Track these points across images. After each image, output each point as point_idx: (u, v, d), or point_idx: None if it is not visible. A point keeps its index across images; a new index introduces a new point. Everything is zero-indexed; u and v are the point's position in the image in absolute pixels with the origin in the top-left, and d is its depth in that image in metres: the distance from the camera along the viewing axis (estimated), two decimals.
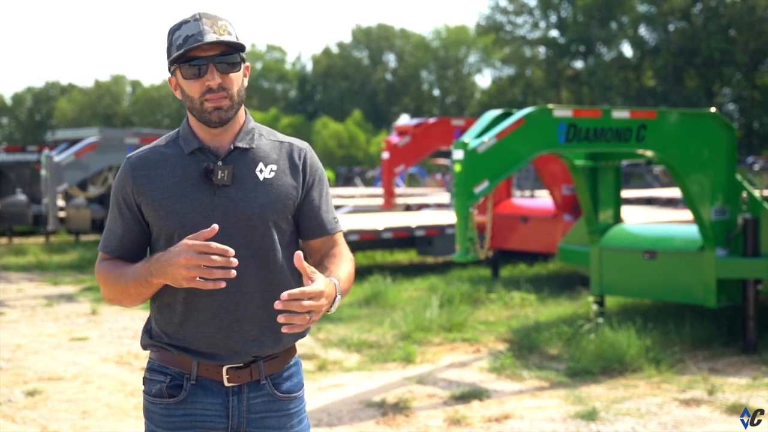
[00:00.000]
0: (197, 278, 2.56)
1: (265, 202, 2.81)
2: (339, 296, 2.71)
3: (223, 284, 2.58)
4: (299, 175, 2.90)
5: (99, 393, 7.68)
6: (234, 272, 2.58)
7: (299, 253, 2.59)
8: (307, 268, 2.59)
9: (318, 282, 2.58)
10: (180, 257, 2.55)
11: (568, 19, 57.90)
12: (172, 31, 2.78)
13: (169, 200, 2.78)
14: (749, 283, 8.76)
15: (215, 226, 2.58)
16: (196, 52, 2.72)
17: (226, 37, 2.74)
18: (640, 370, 7.97)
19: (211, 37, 2.71)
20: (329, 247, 2.96)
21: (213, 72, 2.73)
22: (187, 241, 2.57)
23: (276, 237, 2.84)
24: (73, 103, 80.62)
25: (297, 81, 78.59)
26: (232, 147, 2.83)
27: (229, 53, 2.76)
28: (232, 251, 2.56)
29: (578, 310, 10.25)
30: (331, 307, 2.67)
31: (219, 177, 2.77)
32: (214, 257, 2.54)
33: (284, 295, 2.51)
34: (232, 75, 2.77)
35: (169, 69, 2.83)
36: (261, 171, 2.84)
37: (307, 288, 2.54)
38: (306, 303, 2.53)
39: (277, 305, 2.52)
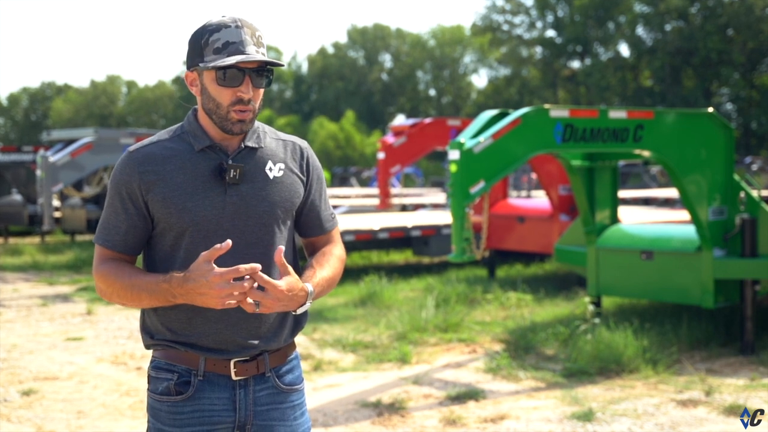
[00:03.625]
0: (231, 301, 2.65)
1: (276, 201, 2.86)
2: (308, 302, 2.80)
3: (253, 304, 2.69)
4: (303, 173, 2.97)
5: (94, 393, 7.66)
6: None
7: (281, 248, 2.69)
8: (285, 266, 2.71)
9: (282, 282, 2.69)
10: (212, 289, 2.60)
11: (564, 19, 57.87)
12: (210, 31, 2.77)
13: (181, 197, 2.79)
14: (747, 284, 8.75)
15: (229, 242, 2.62)
16: (238, 63, 2.74)
17: (262, 51, 2.78)
18: (637, 371, 7.95)
19: (252, 50, 2.75)
20: (324, 242, 3.07)
21: (248, 84, 2.77)
22: (206, 266, 2.61)
23: (283, 233, 2.91)
24: (68, 103, 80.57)
25: (292, 81, 78.53)
26: (242, 146, 2.86)
27: (266, 68, 2.80)
28: (258, 266, 2.64)
29: (575, 310, 10.24)
30: (297, 309, 2.79)
31: (231, 175, 2.80)
32: (245, 284, 2.63)
33: (243, 268, 2.62)
34: (260, 89, 2.82)
35: (194, 65, 2.82)
36: (270, 169, 2.89)
37: (269, 279, 2.65)
38: (257, 292, 2.65)
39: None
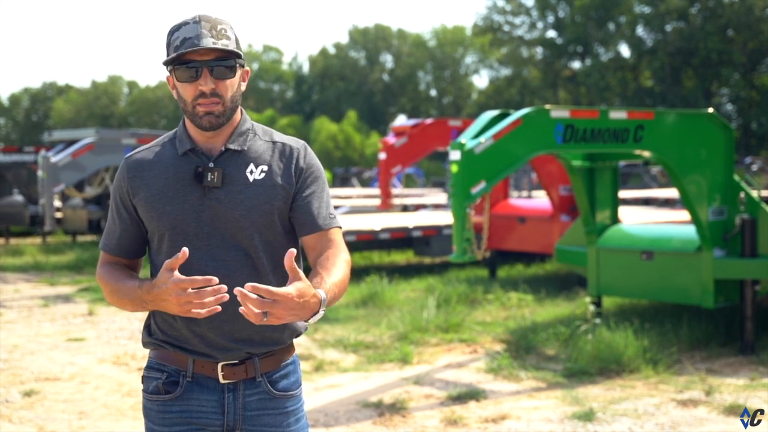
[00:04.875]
0: (192, 309, 2.58)
1: (254, 204, 2.81)
2: (322, 311, 2.59)
3: (219, 309, 2.58)
4: (291, 174, 2.88)
5: (96, 393, 7.67)
6: (227, 296, 2.57)
7: (292, 251, 2.48)
8: (295, 271, 2.50)
9: (291, 288, 2.47)
10: (170, 295, 2.57)
11: (565, 19, 57.83)
12: (172, 32, 2.78)
13: (161, 201, 2.81)
14: (747, 284, 8.76)
15: (185, 250, 2.56)
16: (191, 56, 2.73)
17: (223, 42, 2.74)
18: (637, 371, 7.97)
19: (207, 42, 2.71)
20: (324, 245, 2.86)
21: (207, 77, 2.74)
22: (167, 274, 2.57)
23: (265, 238, 2.85)
24: (70, 103, 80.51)
25: (294, 81, 78.52)
26: (223, 149, 2.84)
27: (225, 58, 2.76)
28: (215, 279, 2.54)
29: (575, 310, 10.25)
30: (310, 318, 2.57)
31: (209, 179, 2.79)
32: (203, 291, 2.55)
33: (248, 286, 2.43)
34: (226, 81, 2.77)
35: (167, 69, 2.84)
36: (251, 172, 2.84)
37: (276, 289, 2.43)
38: (265, 302, 2.43)
39: (237, 291, 2.42)
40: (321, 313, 2.59)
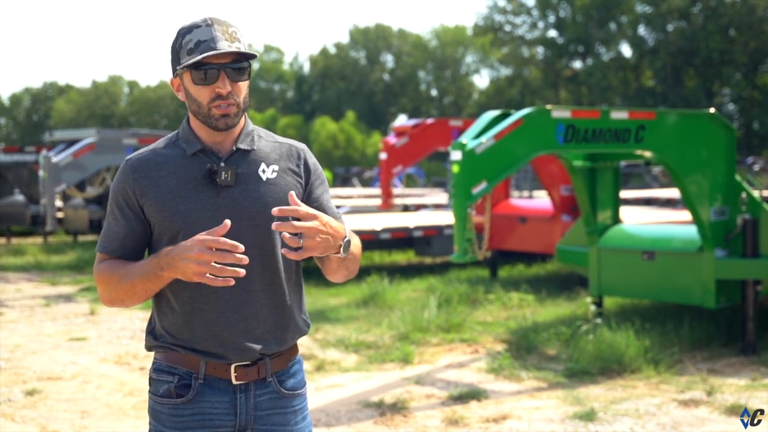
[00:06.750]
0: (207, 274, 2.59)
1: (269, 202, 2.84)
2: (349, 239, 2.75)
3: (232, 282, 2.61)
4: (301, 175, 2.95)
5: (98, 393, 7.68)
6: (243, 272, 2.60)
7: (292, 193, 2.65)
8: (307, 209, 2.65)
9: (314, 211, 2.65)
10: (192, 251, 2.58)
11: (566, 19, 57.80)
12: (182, 34, 2.79)
13: (173, 201, 2.80)
14: (748, 284, 8.76)
15: (227, 222, 2.61)
16: (209, 59, 2.75)
17: (236, 45, 2.77)
18: (638, 371, 7.97)
19: (224, 45, 2.74)
20: None
21: (224, 79, 2.76)
22: (198, 236, 2.61)
23: (280, 236, 2.86)
24: (70, 103, 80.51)
25: (294, 81, 78.53)
26: (234, 148, 2.87)
27: (240, 61, 2.79)
28: (241, 247, 2.59)
29: (576, 310, 10.25)
30: (341, 248, 2.72)
31: (223, 177, 2.80)
32: (224, 254, 2.58)
33: (275, 210, 2.60)
34: (240, 83, 2.81)
35: (175, 71, 2.85)
36: (264, 171, 2.88)
37: (302, 208, 2.62)
38: (298, 224, 2.59)
39: (275, 226, 2.59)
40: (349, 241, 2.75)
